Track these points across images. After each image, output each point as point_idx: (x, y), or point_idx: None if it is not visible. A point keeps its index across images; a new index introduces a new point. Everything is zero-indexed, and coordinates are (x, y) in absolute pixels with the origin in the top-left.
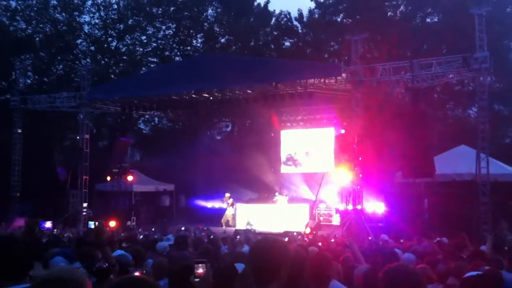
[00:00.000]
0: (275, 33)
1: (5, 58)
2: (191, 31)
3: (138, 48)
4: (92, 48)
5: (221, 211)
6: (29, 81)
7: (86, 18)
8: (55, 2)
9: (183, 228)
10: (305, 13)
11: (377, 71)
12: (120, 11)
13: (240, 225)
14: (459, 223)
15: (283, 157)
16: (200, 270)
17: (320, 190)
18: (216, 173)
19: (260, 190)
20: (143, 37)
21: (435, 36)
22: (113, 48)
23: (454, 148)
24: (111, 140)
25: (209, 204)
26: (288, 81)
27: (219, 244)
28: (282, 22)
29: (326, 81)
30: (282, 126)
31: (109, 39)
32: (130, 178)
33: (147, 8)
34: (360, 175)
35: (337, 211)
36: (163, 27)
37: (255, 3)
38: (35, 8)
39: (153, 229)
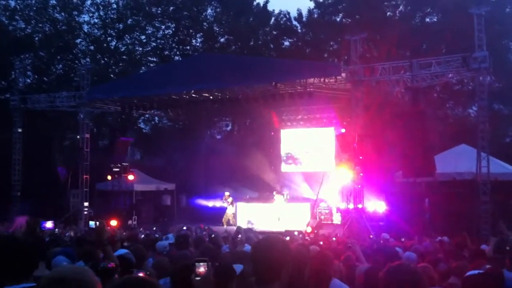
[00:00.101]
0: (275, 32)
1: (5, 58)
2: (191, 30)
3: (137, 48)
4: (92, 47)
5: (222, 210)
6: (28, 80)
7: (86, 17)
8: (54, 2)
9: (184, 228)
10: (305, 12)
11: (376, 71)
12: (119, 11)
13: (241, 224)
14: (459, 222)
15: (283, 156)
16: (202, 269)
17: (321, 189)
18: (217, 172)
19: (261, 189)
20: (143, 37)
21: (434, 36)
22: (112, 47)
23: (455, 147)
24: (111, 139)
25: (210, 203)
26: (287, 81)
27: (220, 243)
28: (282, 22)
29: (326, 80)
30: (282, 125)
31: (109, 38)
32: (130, 177)
33: (147, 8)
34: (361, 174)
35: (338, 210)
36: (163, 27)
37: (255, 3)
38: (34, 8)
39: (154, 228)
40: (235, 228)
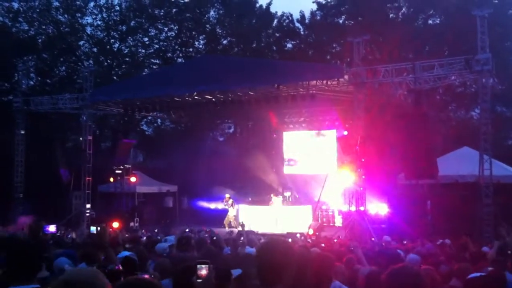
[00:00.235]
0: (277, 34)
1: (8, 60)
2: (193, 32)
3: (140, 50)
4: (95, 49)
5: (224, 212)
6: (31, 82)
7: (89, 19)
8: (57, 4)
9: (187, 230)
10: (307, 14)
11: (379, 73)
12: (122, 13)
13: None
14: (462, 225)
15: (285, 159)
16: (204, 272)
17: (323, 192)
18: (219, 174)
19: (263, 191)
20: (145, 39)
21: (437, 38)
22: (115, 49)
23: (457, 149)
24: (114, 141)
25: (212, 205)
26: (290, 83)
27: (222, 245)
28: (284, 24)
29: (328, 82)
30: (285, 127)
31: (112, 40)
32: (133, 179)
33: (149, 10)
34: (363, 177)
35: (340, 212)
36: (165, 29)
37: (257, 5)
38: (38, 10)
39: (156, 230)
40: (237, 230)
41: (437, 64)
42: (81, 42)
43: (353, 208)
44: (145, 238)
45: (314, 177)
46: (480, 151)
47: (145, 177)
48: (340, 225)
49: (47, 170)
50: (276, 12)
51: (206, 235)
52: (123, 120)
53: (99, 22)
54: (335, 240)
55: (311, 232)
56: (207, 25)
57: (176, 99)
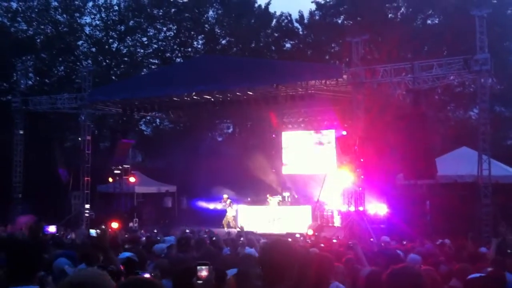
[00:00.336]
0: (276, 34)
1: (6, 59)
2: (192, 32)
3: (139, 50)
4: (93, 49)
5: (223, 213)
6: (30, 82)
7: (87, 19)
8: (56, 4)
9: (187, 231)
10: (306, 14)
11: (378, 73)
12: (121, 13)
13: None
14: (461, 225)
15: (284, 159)
16: (204, 273)
17: (322, 192)
18: (218, 175)
19: (262, 191)
20: (144, 39)
21: (435, 38)
22: (114, 49)
23: (456, 149)
24: (113, 141)
25: (211, 206)
26: (289, 83)
27: (221, 245)
28: (283, 24)
29: (327, 82)
30: (283, 127)
31: (110, 40)
32: (132, 179)
33: (148, 10)
34: (362, 177)
35: (339, 212)
36: (164, 29)
37: (256, 5)
38: (36, 10)
39: (155, 231)
40: (236, 230)
41: (435, 64)
42: (80, 42)
43: (352, 208)
44: (144, 238)
45: (313, 177)
46: (479, 151)
47: (144, 177)
48: (339, 225)
49: (46, 170)
50: (275, 12)
51: (205, 236)
52: (122, 120)
53: (97, 22)
54: (334, 241)
55: (310, 232)
56: (206, 25)
57: (174, 99)
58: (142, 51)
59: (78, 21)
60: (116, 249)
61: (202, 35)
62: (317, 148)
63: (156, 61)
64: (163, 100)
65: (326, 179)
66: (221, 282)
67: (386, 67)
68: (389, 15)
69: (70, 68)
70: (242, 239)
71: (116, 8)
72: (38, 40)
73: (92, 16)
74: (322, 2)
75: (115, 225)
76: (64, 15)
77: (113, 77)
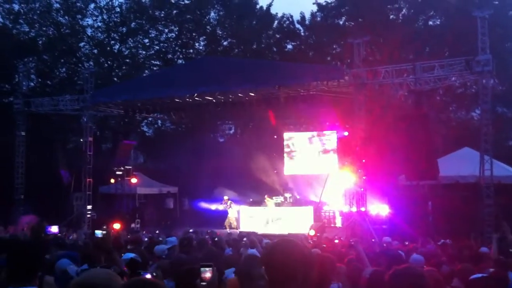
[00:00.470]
0: (278, 36)
1: (8, 61)
2: (194, 34)
3: (140, 51)
4: (95, 51)
5: (225, 214)
6: (32, 84)
7: (89, 21)
8: (58, 6)
9: (191, 230)
10: (308, 16)
11: (379, 74)
12: (122, 14)
13: (244, 227)
14: (463, 226)
15: (286, 159)
16: (207, 275)
17: (323, 192)
18: (220, 176)
19: (264, 192)
20: (146, 40)
21: (437, 39)
22: (116, 51)
23: (458, 150)
24: (115, 142)
25: (213, 207)
26: (290, 84)
27: (223, 246)
28: (285, 25)
29: (329, 84)
30: (285, 128)
31: (112, 42)
32: (134, 180)
33: (150, 11)
34: (364, 177)
35: (341, 213)
36: (166, 30)
37: (258, 6)
38: (38, 11)
39: (157, 232)
40: (238, 231)
41: (437, 65)
42: (82, 44)
43: (354, 209)
44: (146, 239)
45: (315, 178)
46: (481, 151)
47: (145, 178)
48: (341, 225)
49: (48, 172)
50: (277, 13)
51: (207, 236)
52: (124, 122)
53: (99, 24)
54: (336, 241)
55: (312, 233)
56: (208, 27)
57: (176, 100)
58: (144, 52)
59: (80, 22)
60: (119, 250)
61: (204, 37)
62: (319, 148)
63: (158, 63)
64: (164, 102)
65: (327, 179)
66: (219, 282)
67: (387, 68)
68: (391, 16)
69: (72, 70)
70: (244, 239)
71: (118, 9)
72: (40, 42)
73: (94, 18)
74: (324, 3)
75: (117, 226)
76: (66, 17)
77: (115, 79)
